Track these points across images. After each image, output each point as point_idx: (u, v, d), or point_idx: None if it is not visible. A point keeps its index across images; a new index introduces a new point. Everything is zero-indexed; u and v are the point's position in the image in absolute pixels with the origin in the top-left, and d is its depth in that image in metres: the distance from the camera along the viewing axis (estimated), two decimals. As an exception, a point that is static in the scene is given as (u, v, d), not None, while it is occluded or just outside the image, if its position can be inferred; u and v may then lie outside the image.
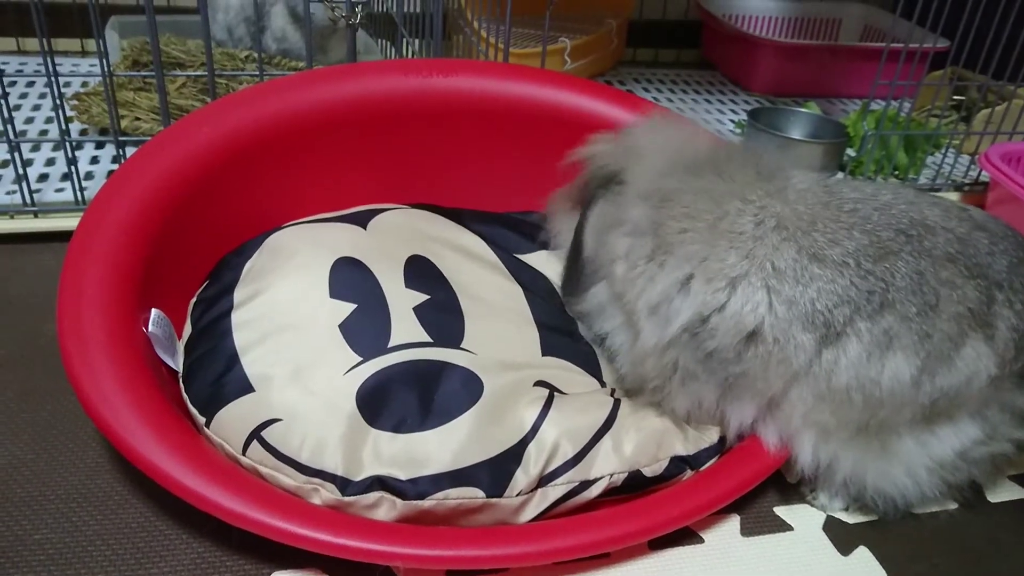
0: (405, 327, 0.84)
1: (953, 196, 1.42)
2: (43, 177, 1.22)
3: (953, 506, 0.86)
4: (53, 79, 1.07)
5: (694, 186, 0.78)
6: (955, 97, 1.63)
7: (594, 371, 0.89)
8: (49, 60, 1.04)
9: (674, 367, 0.77)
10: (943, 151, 1.57)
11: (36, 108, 1.42)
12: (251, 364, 0.79)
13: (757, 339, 0.73)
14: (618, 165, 0.86)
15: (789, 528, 0.82)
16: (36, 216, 1.13)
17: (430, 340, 0.83)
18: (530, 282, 0.99)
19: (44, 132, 1.34)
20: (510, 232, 1.05)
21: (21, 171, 1.11)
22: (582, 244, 0.87)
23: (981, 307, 0.73)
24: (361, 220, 0.97)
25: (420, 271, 0.92)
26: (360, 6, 1.14)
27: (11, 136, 1.09)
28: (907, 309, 0.72)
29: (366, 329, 0.82)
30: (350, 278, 0.87)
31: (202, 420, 0.77)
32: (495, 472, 0.73)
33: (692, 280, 0.75)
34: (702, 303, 0.74)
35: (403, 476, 0.72)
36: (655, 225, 0.77)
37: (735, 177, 0.78)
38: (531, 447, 0.75)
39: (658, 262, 0.76)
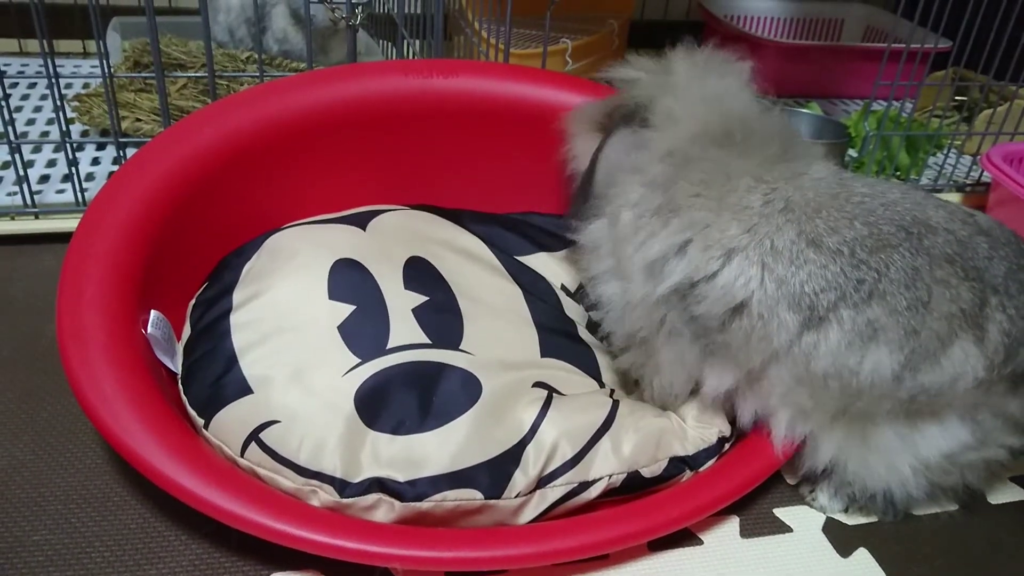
0: (404, 328, 0.84)
1: (954, 197, 1.42)
2: (44, 178, 1.22)
3: (953, 508, 0.86)
4: (54, 80, 1.07)
5: (714, 155, 0.78)
6: (957, 98, 1.62)
7: (593, 372, 0.89)
8: (50, 61, 1.04)
9: (662, 322, 0.78)
10: (945, 152, 1.57)
11: (37, 110, 1.42)
12: (250, 365, 0.79)
13: (744, 312, 0.74)
14: (648, 101, 0.84)
15: (789, 530, 0.82)
16: (37, 217, 1.13)
17: (429, 341, 0.83)
18: (529, 284, 0.99)
19: (45, 133, 1.34)
20: (509, 233, 1.05)
21: (22, 172, 1.11)
22: (595, 173, 0.87)
23: (974, 309, 0.73)
24: (361, 221, 0.97)
25: (419, 272, 0.92)
26: (361, 7, 1.14)
27: (12, 137, 1.09)
28: (897, 302, 0.72)
29: (365, 330, 0.82)
30: (349, 279, 0.87)
31: (201, 422, 0.77)
32: (494, 473, 0.73)
33: (690, 244, 0.75)
34: (695, 268, 0.75)
35: (401, 478, 0.72)
36: (669, 183, 0.78)
37: (757, 153, 0.78)
38: (530, 448, 0.75)
39: (663, 220, 0.77)
